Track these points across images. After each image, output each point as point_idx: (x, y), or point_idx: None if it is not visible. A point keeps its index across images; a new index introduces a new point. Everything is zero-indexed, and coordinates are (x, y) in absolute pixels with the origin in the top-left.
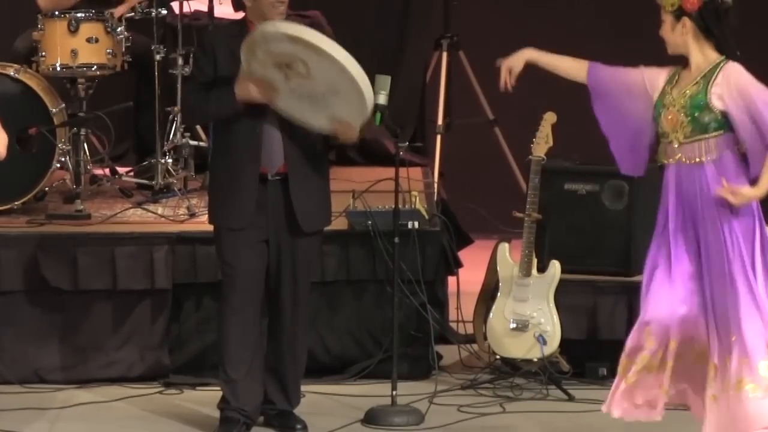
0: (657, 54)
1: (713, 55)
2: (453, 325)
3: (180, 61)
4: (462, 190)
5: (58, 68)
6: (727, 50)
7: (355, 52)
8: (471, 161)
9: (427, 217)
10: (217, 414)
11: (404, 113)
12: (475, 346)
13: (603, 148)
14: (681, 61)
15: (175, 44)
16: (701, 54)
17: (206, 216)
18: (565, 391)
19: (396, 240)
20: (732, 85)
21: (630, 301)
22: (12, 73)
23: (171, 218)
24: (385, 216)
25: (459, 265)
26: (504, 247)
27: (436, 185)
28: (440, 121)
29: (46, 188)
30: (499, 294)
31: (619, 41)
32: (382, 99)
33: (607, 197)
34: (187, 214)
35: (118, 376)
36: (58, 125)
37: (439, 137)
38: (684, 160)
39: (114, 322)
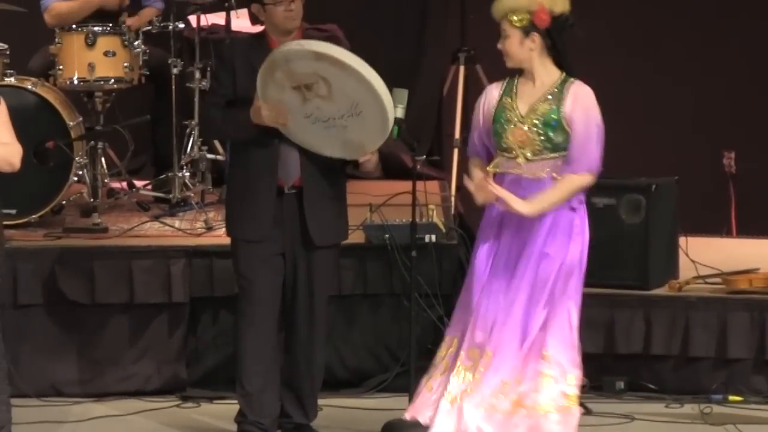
0: (675, 63)
1: (555, 71)
2: None
3: (197, 75)
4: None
5: (76, 82)
6: (568, 66)
7: (372, 66)
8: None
9: (444, 230)
10: (234, 427)
11: (421, 127)
12: None
13: (620, 161)
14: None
15: (193, 58)
16: (544, 69)
17: (223, 229)
18: (582, 405)
19: (413, 253)
20: (581, 106)
21: (648, 314)
22: (29, 87)
23: (188, 232)
24: (402, 229)
25: None
26: None
27: (453, 199)
28: (457, 135)
29: (64, 202)
30: None
31: (633, 52)
32: (400, 112)
33: (624, 211)
34: (204, 228)
35: (135, 390)
36: (76, 139)
37: (456, 151)
38: (526, 175)
39: (131, 335)
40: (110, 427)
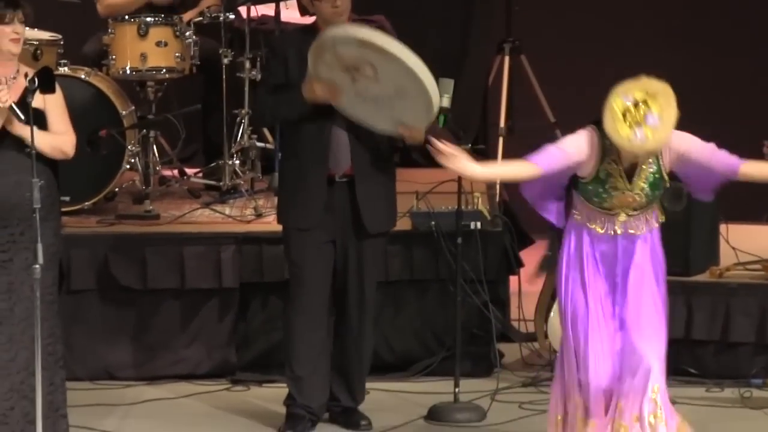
0: (719, 53)
1: None
2: (514, 324)
3: (247, 65)
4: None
5: (128, 71)
6: None
7: (419, 56)
8: None
9: (489, 217)
10: (283, 410)
11: (467, 116)
12: (536, 344)
13: None
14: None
15: (243, 48)
16: None
17: (273, 216)
18: None
19: (459, 240)
20: (673, 146)
21: (689, 300)
22: (83, 77)
23: (238, 218)
24: (448, 217)
25: (520, 264)
26: None
27: (498, 186)
28: (502, 124)
29: (116, 189)
30: None
31: (678, 43)
32: (446, 102)
33: (666, 199)
34: (254, 215)
35: (186, 374)
36: (128, 127)
37: (501, 140)
38: (627, 231)
39: (182, 320)
40: (162, 409)
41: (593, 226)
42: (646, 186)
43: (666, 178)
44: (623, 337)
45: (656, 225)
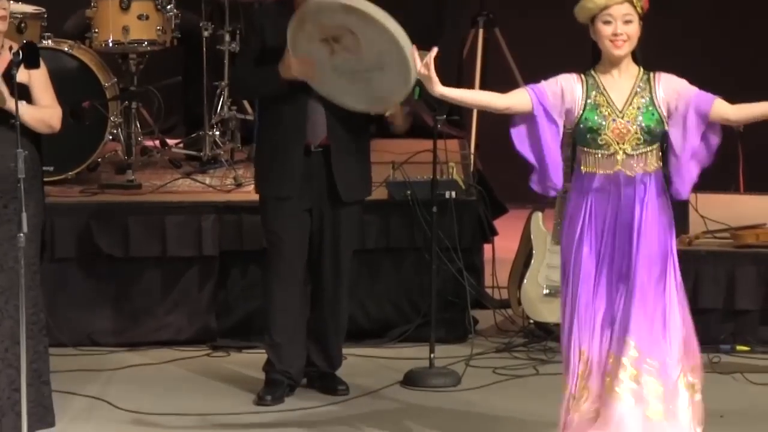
0: (686, 24)
1: (633, 63)
2: (488, 291)
3: (227, 38)
4: (497, 161)
5: (110, 44)
6: (638, 57)
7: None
8: (506, 134)
9: (463, 187)
10: (262, 376)
11: None
12: (509, 311)
13: None
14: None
15: (223, 21)
16: (629, 61)
17: (252, 186)
18: None
19: (434, 209)
20: (671, 85)
21: None
22: (66, 49)
23: (218, 188)
24: (424, 186)
25: (494, 233)
26: (537, 216)
27: (472, 157)
28: None
29: (99, 159)
30: (532, 261)
31: (651, 16)
32: None
33: None
34: (233, 184)
35: (167, 340)
36: (111, 99)
37: (475, 111)
38: (626, 171)
39: (164, 287)
40: (144, 375)
41: (594, 171)
42: (640, 116)
43: (661, 113)
44: (622, 298)
45: (657, 168)
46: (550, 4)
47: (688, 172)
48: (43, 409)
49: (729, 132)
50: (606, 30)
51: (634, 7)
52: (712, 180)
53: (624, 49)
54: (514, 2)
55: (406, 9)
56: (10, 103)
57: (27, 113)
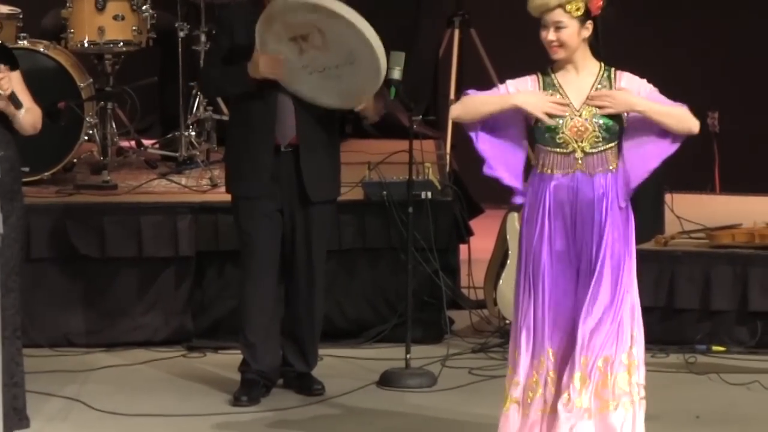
0: (661, 23)
1: (594, 61)
2: (464, 291)
3: (203, 38)
4: (473, 161)
5: (86, 45)
6: (600, 55)
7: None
8: None
9: (439, 187)
10: (238, 376)
11: (418, 88)
12: (485, 311)
13: None
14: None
15: (198, 22)
16: (587, 59)
17: None
18: None
19: (410, 210)
20: (635, 84)
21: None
22: (42, 50)
23: (194, 188)
24: (400, 186)
25: (470, 233)
26: (513, 217)
27: (448, 157)
28: (452, 96)
29: (75, 160)
30: (508, 261)
31: (634, 20)
32: (397, 74)
33: None
34: (209, 185)
35: (143, 340)
36: (86, 99)
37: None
38: (585, 170)
39: (139, 288)
40: (120, 375)
41: (551, 171)
42: (597, 114)
43: (622, 115)
44: (579, 297)
45: (617, 167)
46: (525, 4)
47: (638, 168)
48: (15, 412)
49: (705, 132)
50: (542, 35)
51: (568, 12)
52: (688, 180)
53: (559, 54)
54: (490, 2)
55: (382, 10)
56: (16, 113)
57: (25, 118)
